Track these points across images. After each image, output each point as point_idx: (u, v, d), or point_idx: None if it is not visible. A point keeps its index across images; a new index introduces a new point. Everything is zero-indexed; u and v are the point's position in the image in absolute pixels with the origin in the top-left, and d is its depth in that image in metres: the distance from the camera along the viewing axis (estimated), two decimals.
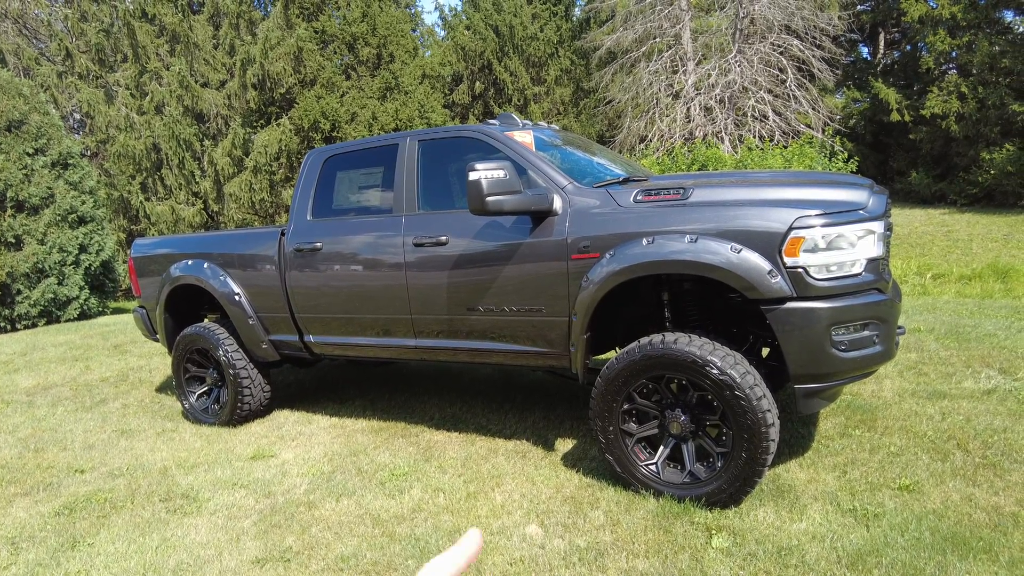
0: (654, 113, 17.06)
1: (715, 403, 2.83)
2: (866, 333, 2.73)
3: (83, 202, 11.11)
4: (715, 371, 2.73)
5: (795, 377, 2.75)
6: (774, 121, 15.95)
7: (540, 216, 3.23)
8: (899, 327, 3.01)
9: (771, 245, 2.68)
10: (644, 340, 2.96)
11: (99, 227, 11.48)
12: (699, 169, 12.10)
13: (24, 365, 7.21)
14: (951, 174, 17.69)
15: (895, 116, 18.26)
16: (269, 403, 4.78)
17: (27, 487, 3.80)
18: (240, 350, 4.56)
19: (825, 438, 3.57)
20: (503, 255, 3.36)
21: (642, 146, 16.79)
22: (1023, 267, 9.96)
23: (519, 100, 20.85)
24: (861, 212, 2.71)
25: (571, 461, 3.56)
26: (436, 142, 3.89)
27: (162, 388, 5.90)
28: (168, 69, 16.68)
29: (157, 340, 5.18)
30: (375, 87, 18.00)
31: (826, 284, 2.67)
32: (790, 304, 2.68)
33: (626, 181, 3.57)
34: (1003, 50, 15.80)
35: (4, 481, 3.92)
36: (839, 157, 12.66)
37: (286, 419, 4.72)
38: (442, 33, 24.62)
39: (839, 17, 16.44)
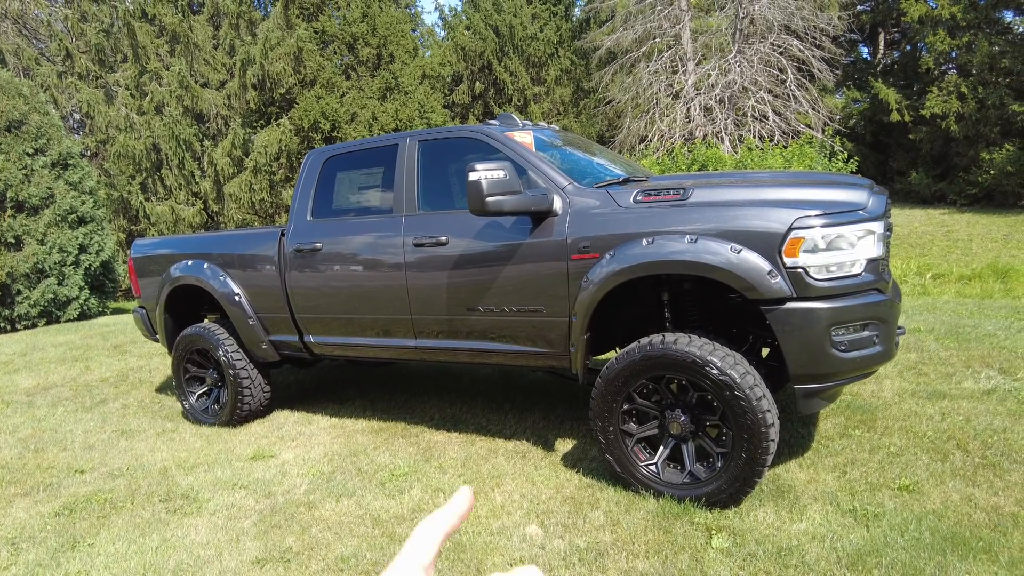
0: (654, 113, 17.06)
1: (715, 403, 2.83)
2: (866, 333, 2.74)
3: (83, 202, 11.11)
4: (715, 371, 2.73)
5: (795, 377, 2.75)
6: (774, 121, 15.95)
7: (540, 216, 3.23)
8: (899, 327, 3.01)
9: (771, 245, 2.68)
10: (644, 340, 2.96)
11: (99, 227, 11.48)
12: (699, 169, 12.10)
13: (24, 365, 7.21)
14: (951, 174, 17.69)
15: (895, 116, 18.26)
16: (269, 403, 4.78)
17: (27, 487, 3.80)
18: (240, 350, 4.56)
19: (825, 438, 3.57)
20: (503, 255, 3.36)
21: (642, 146, 16.80)
22: (1023, 267, 9.96)
23: (519, 100, 20.85)
24: (861, 212, 2.72)
25: (571, 461, 3.56)
26: (436, 142, 3.89)
27: (162, 388, 5.90)
28: (168, 69, 16.68)
29: (157, 340, 5.18)
30: (375, 87, 18.00)
31: (826, 284, 2.67)
32: (790, 304, 2.68)
33: (626, 181, 3.58)
34: (1003, 50, 15.81)
35: (4, 481, 3.92)
36: (839, 157, 12.67)
37: (286, 419, 4.72)
38: (442, 33, 24.63)
39: (839, 17, 16.44)
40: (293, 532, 3.01)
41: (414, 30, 23.50)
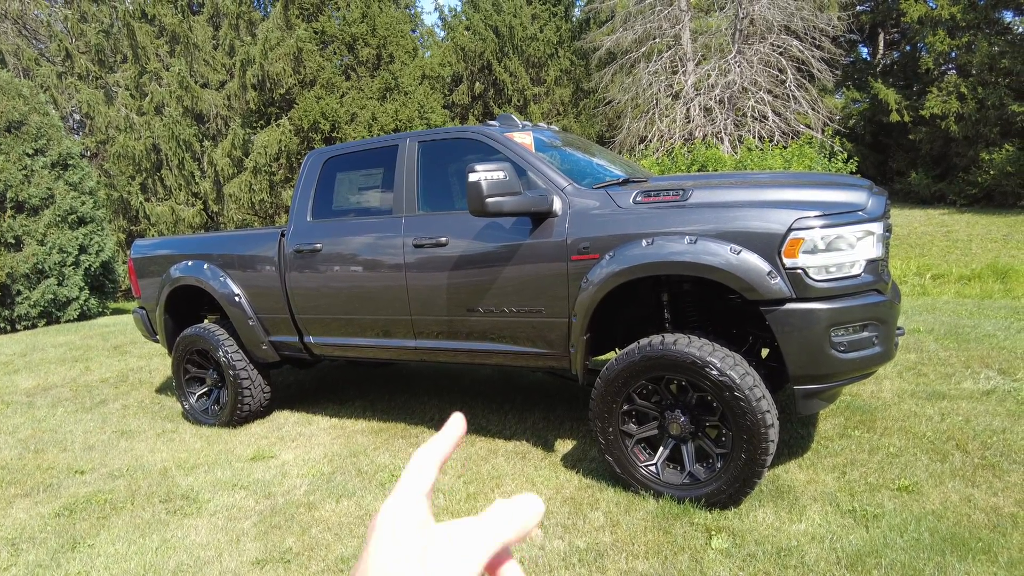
0: (654, 114, 17.07)
1: (714, 404, 2.83)
2: (865, 334, 2.74)
3: (83, 203, 11.11)
4: (714, 372, 2.73)
5: (794, 378, 2.75)
6: (774, 121, 15.96)
7: (540, 217, 3.24)
8: (898, 328, 3.02)
9: (770, 246, 2.69)
10: (644, 341, 2.97)
11: (99, 228, 11.48)
12: (699, 170, 12.10)
13: (24, 366, 7.22)
14: (950, 174, 17.70)
15: (894, 116, 18.27)
16: (269, 404, 4.78)
17: (27, 488, 3.81)
18: (240, 351, 4.56)
19: (824, 439, 3.57)
20: (503, 256, 3.37)
21: (642, 147, 16.80)
22: (1022, 267, 9.96)
23: (519, 101, 20.86)
24: (860, 213, 2.72)
25: (571, 462, 3.56)
26: (436, 143, 3.90)
27: (162, 389, 5.90)
28: (168, 70, 16.69)
29: (157, 341, 5.18)
30: (375, 88, 18.01)
31: (825, 285, 2.67)
32: (789, 305, 2.68)
33: (626, 182, 3.58)
34: (1002, 50, 15.81)
35: (4, 482, 3.92)
36: (839, 157, 12.67)
37: (286, 420, 4.72)
38: (442, 34, 24.64)
39: (838, 18, 16.45)
40: (293, 533, 3.02)
41: (414, 30, 23.51)
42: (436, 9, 38.49)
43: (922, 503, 2.83)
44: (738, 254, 2.72)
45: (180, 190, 16.56)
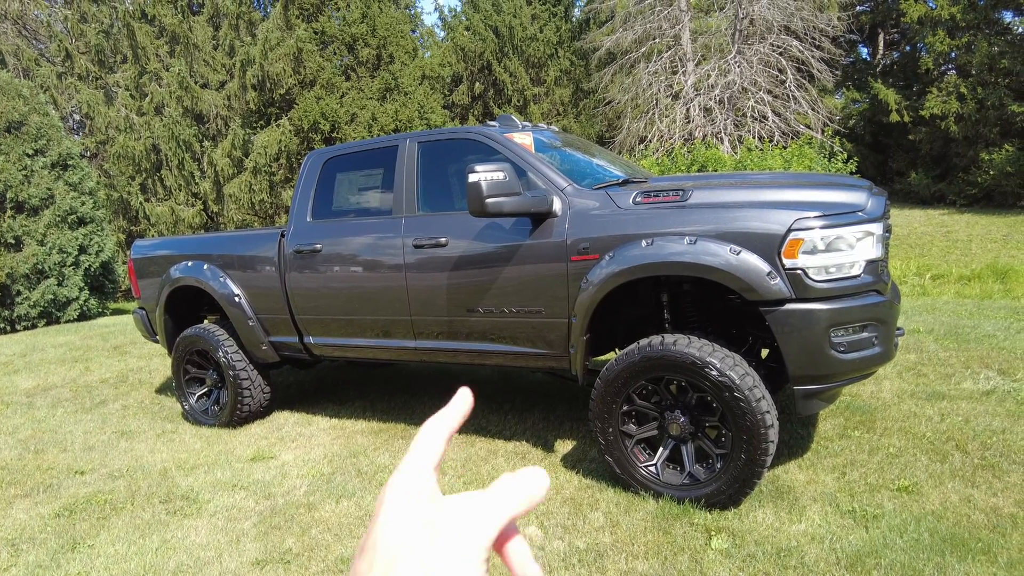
0: (653, 114, 17.07)
1: (714, 404, 2.83)
2: (865, 334, 2.74)
3: (83, 203, 11.11)
4: (714, 372, 2.73)
5: (794, 378, 2.76)
6: (773, 122, 15.96)
7: (540, 218, 3.24)
8: (898, 328, 3.02)
9: (770, 247, 2.69)
10: (643, 342, 2.97)
11: (99, 228, 11.48)
12: (698, 170, 12.11)
13: (24, 366, 7.22)
14: (950, 175, 17.70)
15: (894, 117, 18.27)
16: (269, 404, 4.78)
17: (27, 489, 3.81)
18: (240, 351, 4.56)
19: (824, 439, 3.58)
20: (503, 257, 3.37)
21: (641, 147, 16.81)
22: (1022, 268, 9.97)
23: (519, 101, 20.86)
24: (860, 214, 2.72)
25: (570, 462, 3.56)
26: (436, 144, 3.90)
27: (162, 389, 5.90)
28: (168, 70, 16.69)
29: (157, 341, 5.18)
30: (375, 88, 18.02)
31: (825, 286, 2.68)
32: (789, 305, 2.68)
33: (625, 183, 3.58)
34: (1002, 51, 15.82)
35: (4, 483, 3.92)
36: (838, 158, 12.68)
37: (286, 420, 4.72)
38: (442, 34, 24.65)
39: (838, 18, 16.45)
40: (293, 533, 3.02)
41: (414, 31, 23.52)
42: (436, 9, 38.51)
43: (922, 503, 2.83)
44: (738, 254, 2.72)
45: (180, 190, 16.56)
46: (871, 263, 2.74)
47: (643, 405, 3.06)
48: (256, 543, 2.96)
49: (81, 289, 11.09)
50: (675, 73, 17.45)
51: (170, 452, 4.24)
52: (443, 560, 0.36)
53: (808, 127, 16.19)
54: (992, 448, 3.29)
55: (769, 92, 16.34)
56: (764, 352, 3.89)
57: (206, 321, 5.30)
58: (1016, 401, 3.87)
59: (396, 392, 5.27)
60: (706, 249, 2.78)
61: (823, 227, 2.66)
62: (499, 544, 0.41)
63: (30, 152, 10.58)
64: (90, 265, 11.18)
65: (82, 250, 11.11)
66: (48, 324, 10.80)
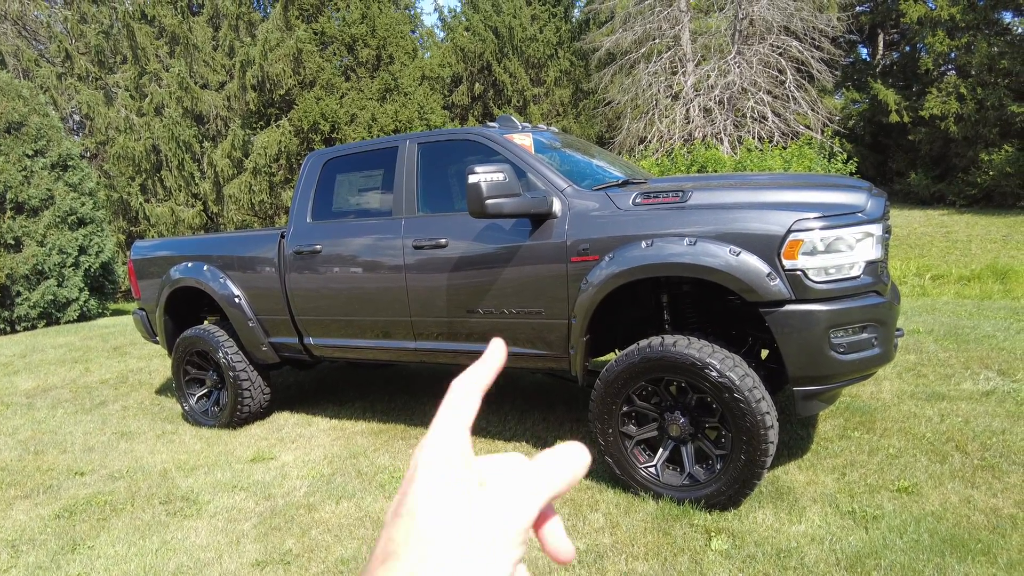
0: (653, 114, 17.08)
1: (714, 405, 2.84)
2: (865, 335, 2.74)
3: (83, 204, 11.11)
4: (714, 373, 2.73)
5: (794, 379, 2.76)
6: (773, 122, 15.97)
7: (539, 219, 3.24)
8: (898, 329, 3.02)
9: (770, 248, 2.69)
10: (643, 342, 2.97)
11: (99, 229, 11.49)
12: (698, 171, 12.11)
13: (24, 367, 7.22)
14: (950, 175, 17.71)
15: (894, 117, 18.28)
16: (269, 405, 4.78)
17: (27, 490, 3.81)
18: (240, 352, 4.56)
19: (824, 440, 3.58)
20: (502, 257, 3.37)
21: (641, 147, 16.82)
22: (1022, 268, 9.97)
23: (518, 101, 20.87)
24: (859, 215, 2.72)
25: None
26: (435, 145, 3.90)
27: (162, 390, 5.90)
28: (167, 71, 16.69)
29: (157, 342, 5.19)
30: (374, 88, 18.03)
31: (824, 287, 2.68)
32: (789, 306, 2.69)
33: (625, 184, 3.58)
34: (1002, 51, 15.83)
35: (4, 484, 3.92)
36: (838, 158, 12.68)
37: (286, 421, 4.72)
38: (441, 34, 24.66)
39: (838, 18, 16.46)
40: (293, 534, 3.02)
41: (413, 31, 23.53)
42: (436, 10, 38.52)
43: (921, 504, 2.83)
44: (737, 255, 2.72)
45: (180, 191, 16.57)
46: (871, 264, 2.74)
47: (643, 406, 3.06)
48: (256, 544, 2.96)
49: (81, 290, 11.09)
50: (675, 74, 17.46)
51: (170, 453, 4.24)
52: (482, 540, 0.34)
53: (808, 127, 16.20)
54: (992, 449, 3.29)
55: (769, 92, 16.35)
56: (764, 353, 3.90)
57: (206, 322, 5.30)
58: (1016, 402, 3.88)
59: (396, 393, 5.27)
60: (706, 250, 2.78)
61: (823, 228, 2.66)
62: (537, 524, 0.39)
63: (30, 153, 10.58)
64: (90, 266, 11.18)
65: (82, 251, 11.12)
66: (48, 325, 10.80)
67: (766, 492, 3.03)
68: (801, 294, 2.67)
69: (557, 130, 4.45)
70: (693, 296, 3.32)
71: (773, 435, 2.74)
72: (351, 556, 2.78)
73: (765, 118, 16.13)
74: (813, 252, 2.66)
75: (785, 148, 13.21)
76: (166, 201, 16.63)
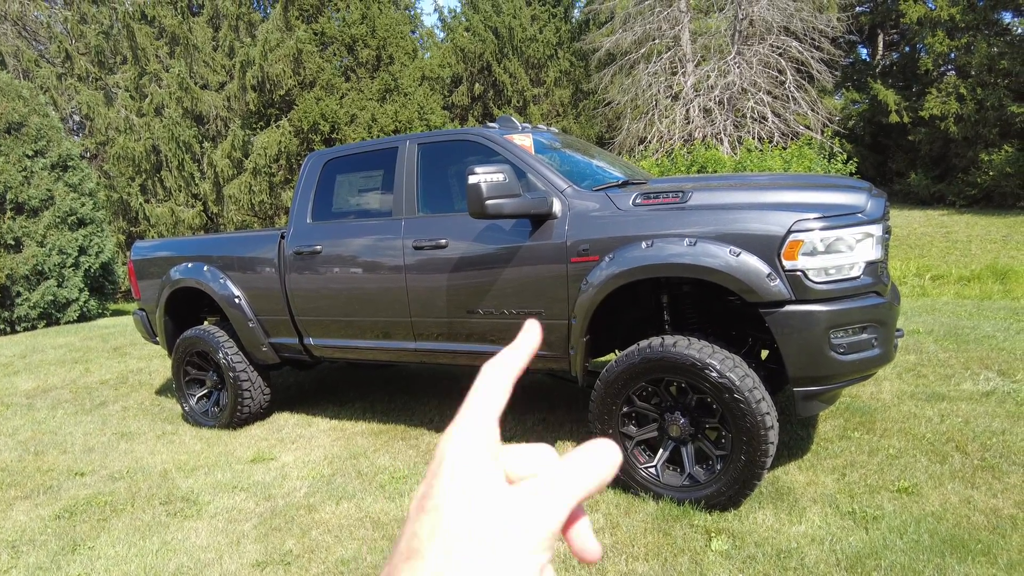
0: (653, 115, 17.08)
1: (714, 406, 2.84)
2: (865, 336, 2.75)
3: (83, 204, 11.12)
4: (714, 374, 2.73)
5: (794, 380, 2.76)
6: (773, 122, 15.98)
7: (539, 219, 3.24)
8: (898, 329, 3.02)
9: (770, 248, 2.69)
10: (643, 343, 2.97)
11: (99, 229, 11.49)
12: (698, 171, 12.12)
13: (24, 367, 7.22)
14: (950, 175, 17.71)
15: (894, 117, 18.29)
16: (269, 406, 4.78)
17: (27, 490, 3.81)
18: (240, 353, 4.56)
19: (824, 440, 3.58)
20: (503, 258, 3.37)
21: (641, 148, 16.82)
22: (1022, 268, 9.97)
23: (518, 101, 20.88)
24: (859, 215, 2.73)
25: None
26: (436, 145, 3.90)
27: (162, 391, 5.90)
28: (167, 71, 16.70)
29: (157, 342, 5.19)
30: (374, 89, 18.03)
31: (825, 287, 2.68)
32: (789, 307, 2.69)
33: (625, 184, 3.58)
34: (1001, 51, 15.83)
35: (4, 484, 3.92)
36: (838, 159, 12.69)
37: (286, 422, 4.72)
38: (441, 35, 24.66)
39: (838, 19, 16.47)
40: (293, 535, 3.02)
41: (413, 32, 23.53)
42: (436, 10, 38.53)
43: (922, 505, 2.83)
44: (737, 256, 2.72)
45: (180, 191, 16.57)
46: (871, 264, 2.74)
47: (643, 406, 3.06)
48: (256, 544, 2.96)
49: (81, 290, 11.09)
50: (675, 74, 17.47)
51: (170, 454, 4.24)
52: (511, 543, 0.32)
53: (808, 128, 16.20)
54: (992, 449, 3.29)
55: (769, 93, 16.35)
56: (764, 353, 3.90)
57: (206, 322, 5.31)
58: (1016, 402, 3.88)
59: (396, 393, 5.27)
60: (706, 251, 2.78)
61: (823, 229, 2.66)
62: (565, 526, 0.37)
63: (30, 153, 10.58)
64: (90, 266, 11.18)
65: (82, 251, 11.12)
66: (48, 325, 10.80)
67: (766, 493, 3.03)
68: (801, 294, 2.67)
69: (557, 130, 4.45)
70: (693, 297, 3.33)
71: (773, 435, 2.74)
72: (351, 557, 2.78)
73: (765, 118, 16.13)
74: (813, 253, 2.66)
75: (785, 148, 13.22)
76: (166, 201, 16.63)
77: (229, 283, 4.52)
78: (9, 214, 10.45)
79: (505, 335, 3.49)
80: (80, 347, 8.10)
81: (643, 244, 2.93)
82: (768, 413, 2.72)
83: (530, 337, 0.40)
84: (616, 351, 3.73)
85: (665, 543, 2.68)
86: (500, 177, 3.04)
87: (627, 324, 3.63)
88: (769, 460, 2.76)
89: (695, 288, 3.26)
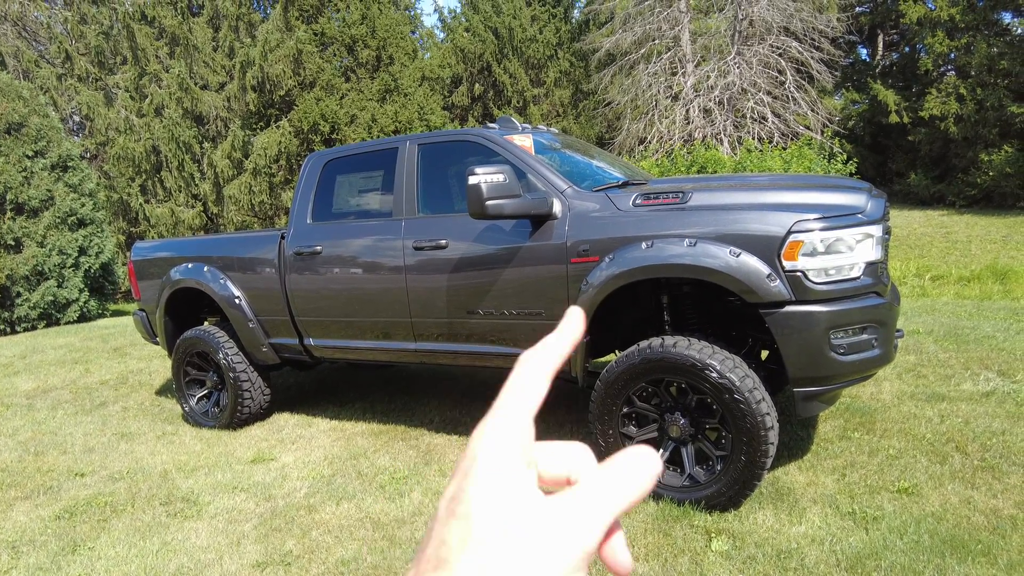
0: (653, 115, 17.09)
1: (714, 406, 2.84)
2: (865, 336, 2.75)
3: (83, 204, 11.12)
4: (714, 374, 2.74)
5: (794, 380, 2.76)
6: (773, 123, 15.98)
7: (540, 220, 3.25)
8: (898, 330, 3.02)
9: (770, 249, 2.69)
10: (643, 343, 2.97)
11: (99, 229, 11.49)
12: (698, 171, 12.12)
13: (24, 368, 7.22)
14: (950, 175, 17.71)
15: (894, 118, 18.29)
16: (269, 406, 4.78)
17: (27, 491, 3.81)
18: (240, 353, 4.57)
19: (824, 441, 3.58)
20: (503, 258, 3.37)
21: (641, 148, 16.82)
22: (1022, 268, 9.97)
23: (518, 102, 20.88)
24: (859, 216, 2.73)
25: None
26: (436, 146, 3.91)
27: (162, 391, 5.90)
28: (167, 71, 16.70)
29: (157, 343, 5.19)
30: (374, 89, 18.03)
31: (825, 288, 2.68)
32: (789, 308, 2.69)
33: (625, 185, 3.58)
34: (1001, 52, 15.84)
35: (4, 485, 3.92)
36: (838, 159, 12.69)
37: (286, 422, 4.72)
38: (441, 35, 24.66)
39: (838, 19, 16.48)
40: (293, 535, 3.02)
41: (413, 32, 23.53)
42: (436, 11, 38.54)
43: (922, 505, 2.83)
44: (737, 256, 2.72)
45: (180, 192, 16.57)
46: (871, 265, 2.74)
47: (643, 407, 3.06)
48: (256, 545, 2.96)
49: (81, 291, 11.09)
50: (675, 74, 17.47)
51: (170, 454, 4.24)
52: (546, 560, 0.31)
53: (807, 128, 16.21)
54: (992, 450, 3.29)
55: (768, 93, 16.36)
56: (764, 354, 3.90)
57: (206, 323, 5.31)
58: (1016, 402, 3.88)
59: (396, 394, 5.27)
60: (706, 251, 2.78)
61: (823, 229, 2.66)
62: (601, 541, 0.35)
63: (30, 154, 10.58)
64: (90, 267, 11.18)
65: (82, 251, 11.12)
66: (48, 326, 10.80)
67: (766, 493, 3.03)
68: (801, 295, 2.67)
69: (557, 131, 4.45)
70: (693, 297, 3.33)
71: (773, 436, 2.74)
72: (351, 557, 2.78)
73: (765, 119, 16.14)
74: (813, 253, 2.66)
75: (785, 149, 13.22)
76: (166, 202, 16.63)
77: (229, 283, 4.52)
78: (9, 214, 10.45)
79: (505, 336, 3.50)
80: (80, 347, 8.10)
81: (643, 245, 2.93)
82: (768, 414, 2.72)
83: (573, 325, 0.38)
84: (616, 352, 3.73)
85: (665, 543, 2.68)
86: (500, 178, 3.04)
87: (627, 325, 3.63)
88: (769, 460, 2.76)
89: (695, 289, 3.26)
